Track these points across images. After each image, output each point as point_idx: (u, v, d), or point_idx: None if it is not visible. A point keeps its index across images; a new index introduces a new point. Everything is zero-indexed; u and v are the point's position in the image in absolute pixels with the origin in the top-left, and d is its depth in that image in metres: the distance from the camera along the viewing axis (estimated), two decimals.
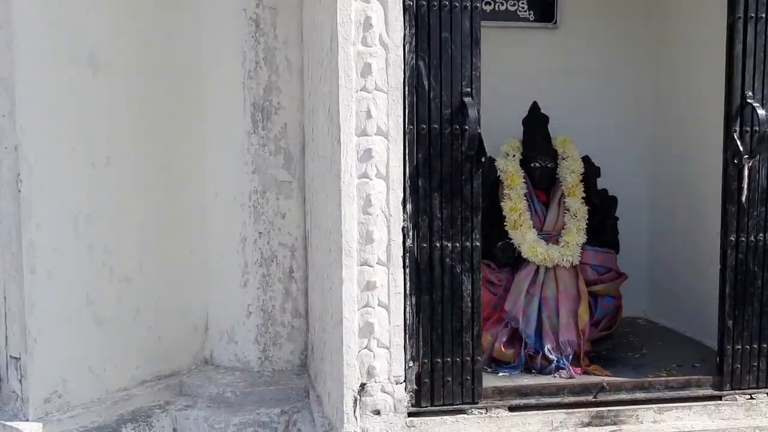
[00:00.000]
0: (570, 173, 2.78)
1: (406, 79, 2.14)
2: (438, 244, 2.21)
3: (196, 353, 3.04)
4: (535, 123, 2.85)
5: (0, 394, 2.55)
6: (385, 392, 2.20)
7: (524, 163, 2.79)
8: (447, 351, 2.24)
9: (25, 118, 2.37)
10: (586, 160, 2.85)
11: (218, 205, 2.99)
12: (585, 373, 2.52)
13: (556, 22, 3.24)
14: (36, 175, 2.41)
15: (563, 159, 2.82)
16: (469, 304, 2.24)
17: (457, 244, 2.22)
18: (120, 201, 2.68)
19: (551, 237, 2.74)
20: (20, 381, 2.45)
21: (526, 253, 2.66)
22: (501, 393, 2.33)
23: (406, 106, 2.15)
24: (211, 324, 3.06)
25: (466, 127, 2.18)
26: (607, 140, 3.17)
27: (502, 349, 2.58)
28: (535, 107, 2.88)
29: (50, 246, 2.46)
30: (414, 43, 2.15)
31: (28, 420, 2.42)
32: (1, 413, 2.50)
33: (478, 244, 2.23)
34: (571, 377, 2.48)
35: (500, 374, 2.51)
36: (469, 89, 2.19)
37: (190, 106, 2.93)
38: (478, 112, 2.16)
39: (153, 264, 2.81)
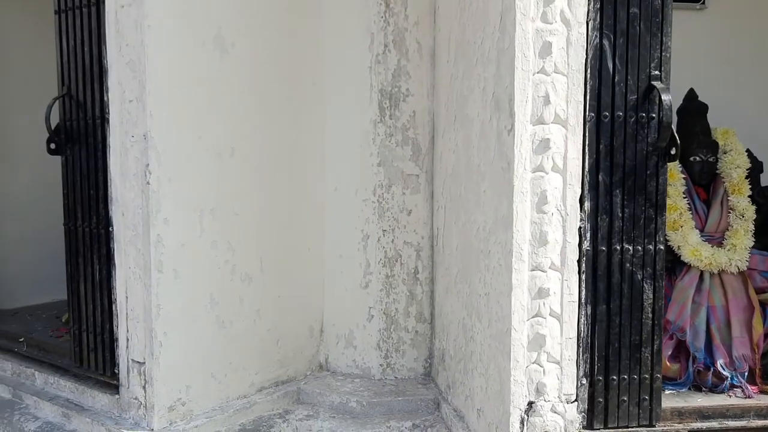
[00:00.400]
0: (734, 168, 2.49)
1: (588, 61, 1.89)
2: (618, 247, 1.95)
3: (311, 358, 2.84)
4: (693, 112, 2.57)
5: (118, 400, 2.39)
6: (555, 412, 1.96)
7: (681, 158, 2.51)
8: (624, 367, 1.99)
9: (154, 104, 2.19)
10: (748, 153, 2.56)
11: (338, 200, 2.78)
12: (762, 392, 2.25)
13: (703, 2, 2.95)
14: (164, 166, 2.23)
15: (725, 152, 2.53)
16: (650, 315, 1.99)
17: (639, 248, 1.96)
18: (242, 194, 2.50)
19: (713, 239, 2.46)
20: (144, 387, 2.28)
21: (687, 256, 2.39)
22: (680, 415, 2.07)
23: (588, 90, 1.90)
24: (327, 327, 2.86)
25: (653, 115, 1.93)
26: (764, 132, 2.87)
27: (667, 363, 2.31)
28: (692, 95, 2.59)
29: (177, 242, 2.28)
30: (598, 19, 1.89)
31: (153, 429, 2.25)
32: (120, 421, 2.34)
33: (662, 247, 1.97)
34: (749, 397, 2.21)
35: (666, 392, 2.25)
36: (657, 72, 1.94)
37: (310, 92, 2.72)
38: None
39: (273, 262, 2.62)
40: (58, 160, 3.67)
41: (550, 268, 1.92)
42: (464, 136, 2.30)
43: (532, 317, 1.93)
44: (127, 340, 2.34)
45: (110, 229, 2.35)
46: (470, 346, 2.27)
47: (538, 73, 1.87)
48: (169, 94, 2.22)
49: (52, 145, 2.49)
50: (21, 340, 2.82)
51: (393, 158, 2.69)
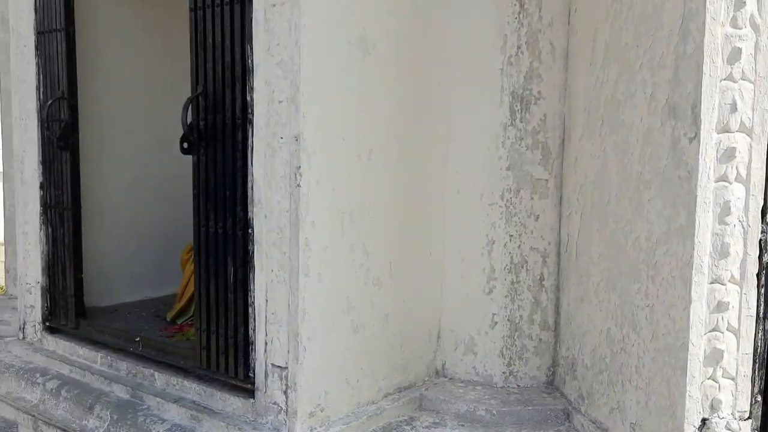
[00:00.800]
0: None
1: None
2: None
3: (428, 364, 2.80)
4: None
5: (253, 405, 2.35)
6: (729, 429, 1.90)
7: None
8: None
9: (306, 105, 2.15)
10: None
11: (461, 204, 2.73)
12: None
13: None
14: (314, 168, 2.19)
15: None
16: None
17: None
18: (376, 197, 2.46)
19: None
20: (285, 392, 2.25)
21: None
22: None
23: None
24: (444, 332, 2.82)
25: None
26: None
27: None
28: None
29: (322, 246, 2.24)
30: None
31: None
32: (258, 426, 2.30)
33: None
34: None
35: None
36: None
37: (436, 93, 2.68)
38: None
39: (400, 266, 2.58)
40: (156, 157, 3.70)
41: (729, 281, 1.86)
42: (616, 142, 2.24)
43: (710, 332, 1.87)
44: (266, 343, 2.30)
45: (249, 231, 2.32)
46: (619, 358, 2.22)
47: (725, 79, 1.81)
48: (319, 95, 2.18)
49: (185, 144, 2.46)
50: (137, 339, 2.80)
51: (522, 162, 2.64)
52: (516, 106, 2.62)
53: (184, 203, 3.82)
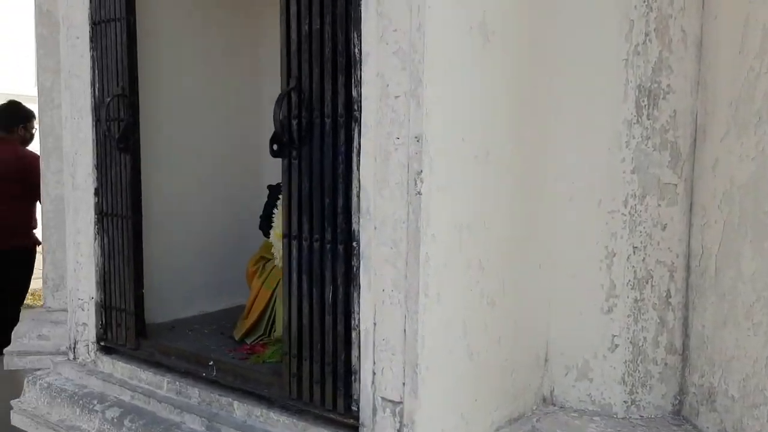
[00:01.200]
0: None
1: None
2: None
3: (536, 391, 2.49)
4: None
5: None
6: None
7: None
8: None
9: (430, 101, 1.85)
10: None
11: (573, 212, 2.43)
12: None
13: None
14: (435, 174, 1.89)
15: None
16: None
17: None
18: (492, 205, 2.16)
19: None
20: (399, 431, 1.95)
21: None
22: None
23: None
24: (552, 355, 2.51)
25: None
26: None
27: None
28: None
29: (441, 262, 1.95)
30: None
31: None
32: None
33: None
34: None
35: None
36: None
37: (546, 86, 2.38)
38: None
39: (511, 283, 2.28)
40: (212, 160, 3.43)
41: None
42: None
43: None
44: (374, 374, 2.01)
45: (354, 244, 2.03)
46: None
47: None
48: (442, 89, 1.89)
49: (275, 146, 2.17)
50: (210, 363, 2.51)
51: (649, 164, 2.33)
52: (643, 101, 2.31)
53: (243, 209, 3.57)
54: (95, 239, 2.87)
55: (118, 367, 2.81)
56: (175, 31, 3.06)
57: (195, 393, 2.52)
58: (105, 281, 2.86)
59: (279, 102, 2.10)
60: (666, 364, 2.43)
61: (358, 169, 2.00)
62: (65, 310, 4.10)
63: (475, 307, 2.13)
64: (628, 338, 2.40)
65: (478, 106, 2.05)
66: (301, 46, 2.11)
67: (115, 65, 2.72)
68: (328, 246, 2.09)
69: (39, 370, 3.08)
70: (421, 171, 1.86)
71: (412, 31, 1.84)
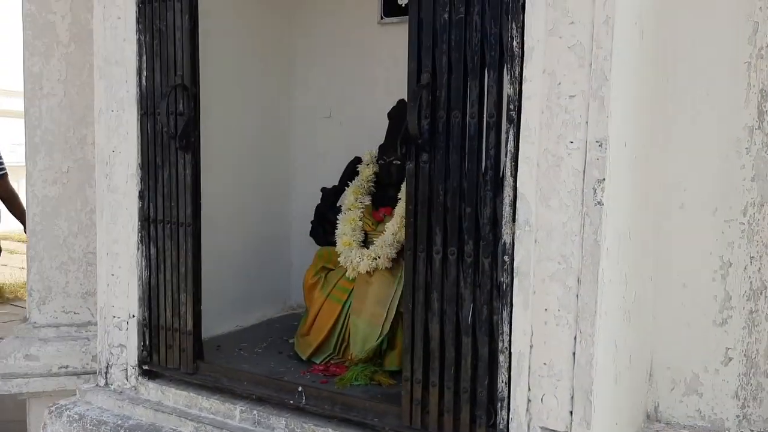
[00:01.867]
0: None
1: None
2: None
3: (641, 407, 2.38)
4: None
5: None
6: None
7: None
8: None
9: (612, 101, 1.68)
10: None
11: (685, 220, 2.32)
12: None
13: None
14: (611, 181, 1.73)
15: None
16: None
17: None
18: (631, 211, 2.02)
19: None
20: None
21: None
22: None
23: None
24: (657, 369, 2.40)
25: None
26: None
27: None
28: None
29: (607, 278, 1.79)
30: None
31: None
32: None
33: None
34: None
35: None
36: None
37: (664, 90, 2.26)
38: None
39: (639, 296, 2.15)
40: (253, 162, 3.13)
41: None
42: None
43: None
44: (529, 401, 1.82)
45: (504, 258, 1.83)
46: None
47: None
48: (617, 89, 1.72)
49: (403, 148, 1.93)
50: (300, 389, 2.23)
51: (767, 172, 2.27)
52: (764, 106, 2.24)
53: (275, 215, 3.29)
54: (138, 249, 2.52)
55: (170, 395, 2.48)
56: (225, 19, 2.75)
57: (280, 423, 2.23)
58: (150, 297, 2.52)
59: (415, 99, 1.87)
60: None
61: (513, 175, 1.80)
62: (55, 326, 3.66)
63: (620, 323, 1.98)
64: (742, 351, 2.32)
65: (635, 107, 1.91)
66: (438, 37, 1.89)
67: (172, 51, 2.38)
68: (469, 260, 1.88)
69: (61, 400, 2.68)
70: (603, 179, 1.69)
71: (597, 24, 1.67)
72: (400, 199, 2.61)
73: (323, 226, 2.83)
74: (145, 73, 2.46)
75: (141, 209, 2.50)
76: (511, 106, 1.80)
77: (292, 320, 3.22)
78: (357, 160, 2.82)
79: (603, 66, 1.66)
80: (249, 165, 3.10)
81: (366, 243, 2.67)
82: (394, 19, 3.07)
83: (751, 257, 2.29)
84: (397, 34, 3.12)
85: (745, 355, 2.32)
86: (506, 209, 1.82)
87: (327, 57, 3.35)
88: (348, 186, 2.76)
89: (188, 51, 2.35)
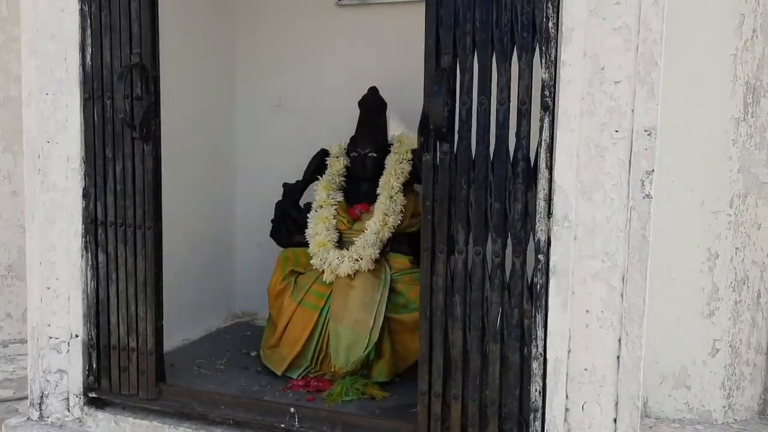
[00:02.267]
0: None
1: None
2: None
3: None
4: None
5: None
6: None
7: None
8: None
9: (661, 88, 1.59)
10: None
11: (672, 212, 2.31)
12: None
13: None
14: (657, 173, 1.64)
15: None
16: None
17: None
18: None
19: None
20: None
21: None
22: None
23: None
24: (645, 365, 2.38)
25: None
26: None
27: None
28: None
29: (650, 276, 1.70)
30: None
31: None
32: None
33: None
34: None
35: None
36: None
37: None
38: None
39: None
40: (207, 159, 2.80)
41: None
42: None
43: None
44: (566, 410, 1.70)
45: (539, 257, 1.69)
46: None
47: None
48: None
49: (422, 138, 1.75)
50: (292, 411, 1.98)
51: (751, 163, 2.29)
52: (749, 98, 2.26)
53: (217, 211, 2.99)
54: (82, 257, 2.14)
55: (127, 426, 2.13)
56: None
57: None
58: (99, 312, 2.15)
59: (439, 82, 1.68)
60: (755, 365, 2.41)
61: (549, 167, 1.67)
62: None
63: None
64: (728, 342, 2.34)
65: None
66: (458, 15, 1.72)
67: (126, 24, 2.03)
68: (496, 260, 1.73)
69: None
70: (652, 170, 1.60)
71: (645, 5, 1.57)
72: (378, 194, 2.42)
73: (286, 225, 2.57)
74: (90, 49, 2.09)
75: (86, 210, 2.13)
76: (546, 92, 1.66)
77: (241, 330, 2.93)
78: (324, 153, 2.59)
79: (653, 50, 1.57)
80: (189, 160, 2.76)
81: (341, 243, 2.45)
82: (354, 0, 2.85)
83: (736, 248, 2.32)
84: (357, 17, 2.91)
85: (730, 345, 2.35)
86: (540, 204, 1.69)
87: (278, 40, 3.06)
88: (317, 181, 2.53)
89: (147, 24, 2.02)
